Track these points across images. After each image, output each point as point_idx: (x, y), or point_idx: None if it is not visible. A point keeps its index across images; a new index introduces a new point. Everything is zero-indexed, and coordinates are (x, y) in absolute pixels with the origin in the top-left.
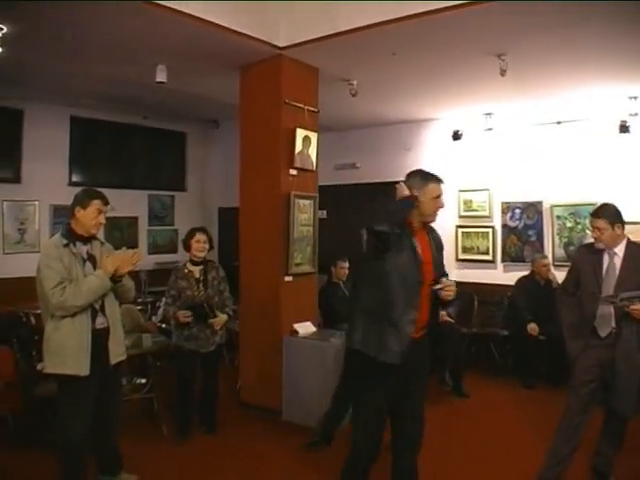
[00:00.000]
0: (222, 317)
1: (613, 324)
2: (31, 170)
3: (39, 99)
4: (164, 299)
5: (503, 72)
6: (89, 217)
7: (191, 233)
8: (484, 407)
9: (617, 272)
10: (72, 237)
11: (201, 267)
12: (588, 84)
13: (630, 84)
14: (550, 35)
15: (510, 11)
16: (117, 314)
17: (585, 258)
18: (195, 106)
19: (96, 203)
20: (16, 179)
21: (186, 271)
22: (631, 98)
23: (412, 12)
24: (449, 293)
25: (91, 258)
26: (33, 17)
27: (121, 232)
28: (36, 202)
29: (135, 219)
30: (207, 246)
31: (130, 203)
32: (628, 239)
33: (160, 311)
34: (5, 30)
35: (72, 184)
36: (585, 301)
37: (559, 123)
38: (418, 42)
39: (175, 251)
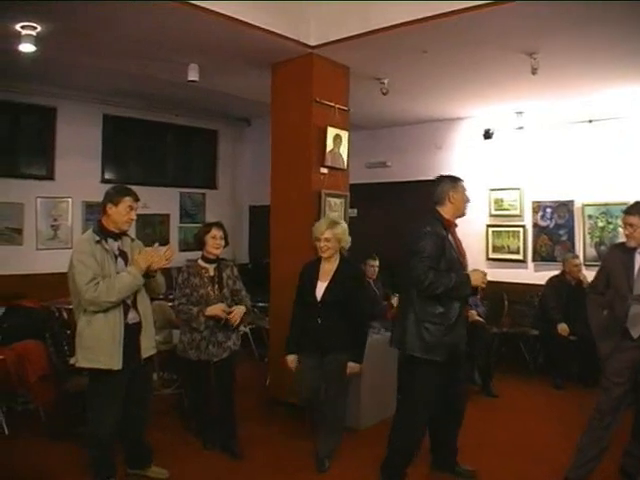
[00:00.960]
0: (240, 307)
1: None
2: (64, 167)
3: (72, 97)
4: (176, 301)
5: (534, 70)
6: (121, 213)
7: (206, 228)
8: (513, 407)
9: None
10: (104, 233)
11: (215, 265)
12: (619, 83)
13: None
14: (582, 33)
15: (541, 9)
16: (149, 309)
17: (616, 258)
18: (226, 104)
19: (127, 200)
20: (49, 176)
21: (199, 268)
22: None
23: (443, 10)
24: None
25: (122, 254)
26: (66, 15)
27: (153, 229)
28: (69, 199)
29: (167, 216)
30: (223, 242)
31: (162, 200)
32: None
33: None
34: (39, 29)
35: (104, 181)
36: (616, 301)
37: (590, 122)
38: (449, 40)
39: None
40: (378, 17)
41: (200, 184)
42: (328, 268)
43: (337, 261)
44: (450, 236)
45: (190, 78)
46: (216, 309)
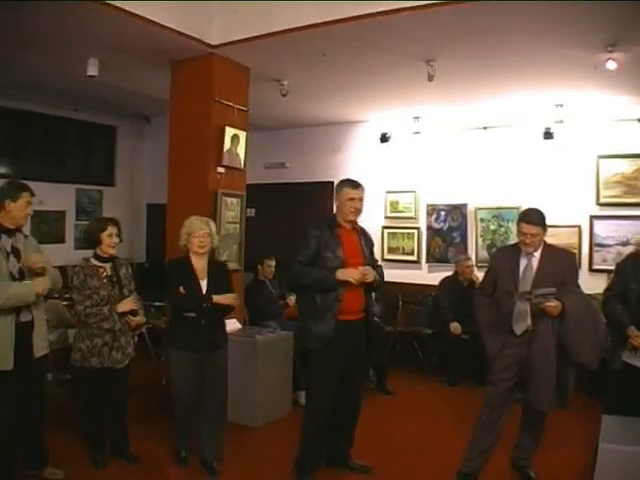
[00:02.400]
0: (142, 318)
1: (529, 322)
2: None
3: None
4: (79, 306)
5: (431, 77)
6: (20, 209)
7: (102, 225)
8: (407, 404)
9: (534, 272)
10: None
11: (110, 264)
12: (514, 91)
13: (557, 92)
14: (478, 42)
15: (439, 18)
16: (41, 308)
17: (503, 259)
18: (126, 100)
19: (25, 195)
20: None
21: (95, 268)
22: (557, 105)
23: (344, 15)
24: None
25: (15, 251)
26: None
27: (48, 226)
28: None
29: (62, 213)
30: (118, 240)
31: (58, 197)
32: (544, 241)
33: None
34: None
35: (0, 176)
36: (502, 300)
37: (485, 128)
38: (348, 45)
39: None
40: (280, 19)
41: (97, 181)
42: (202, 265)
43: (207, 258)
44: (336, 237)
45: (89, 73)
46: (128, 304)
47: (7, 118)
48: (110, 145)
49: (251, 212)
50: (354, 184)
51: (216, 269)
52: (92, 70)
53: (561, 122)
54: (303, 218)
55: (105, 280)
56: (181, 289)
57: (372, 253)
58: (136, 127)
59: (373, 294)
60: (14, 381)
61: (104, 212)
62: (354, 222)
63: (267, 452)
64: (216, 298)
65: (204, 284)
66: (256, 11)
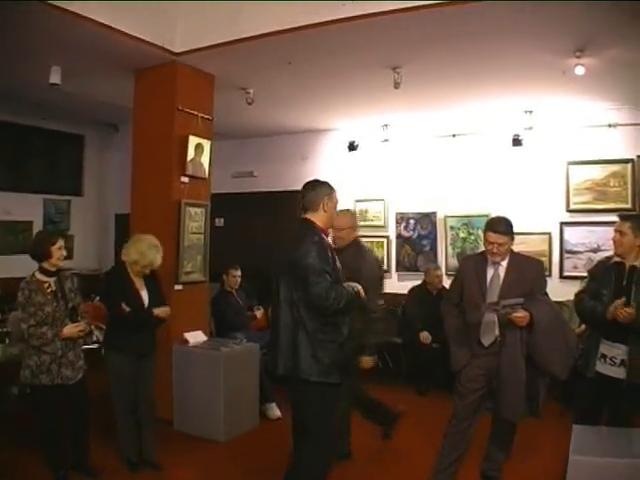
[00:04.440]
0: (83, 323)
1: (497, 332)
2: None
3: None
4: (23, 324)
5: (397, 85)
6: None
7: (52, 238)
8: None
9: (501, 282)
10: None
11: (55, 278)
12: (483, 98)
13: (525, 98)
14: (443, 48)
15: (404, 24)
16: None
17: (469, 268)
18: (94, 109)
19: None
20: None
21: (39, 283)
22: (527, 112)
23: (308, 22)
24: None
25: None
26: None
27: (15, 237)
28: None
29: (30, 223)
30: (65, 253)
31: (25, 207)
32: (511, 250)
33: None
34: None
35: None
36: (469, 310)
37: (454, 136)
38: (313, 52)
39: (70, 257)
40: (243, 26)
41: (65, 191)
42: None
43: None
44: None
45: (52, 81)
46: (73, 331)
47: None
48: (78, 154)
49: (220, 222)
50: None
51: (150, 279)
52: (55, 78)
53: (530, 129)
54: (273, 227)
55: (50, 296)
56: (124, 306)
57: None
58: (104, 136)
59: None
60: None
61: (72, 222)
62: None
63: (233, 467)
64: (156, 312)
65: (144, 295)
66: (219, 18)
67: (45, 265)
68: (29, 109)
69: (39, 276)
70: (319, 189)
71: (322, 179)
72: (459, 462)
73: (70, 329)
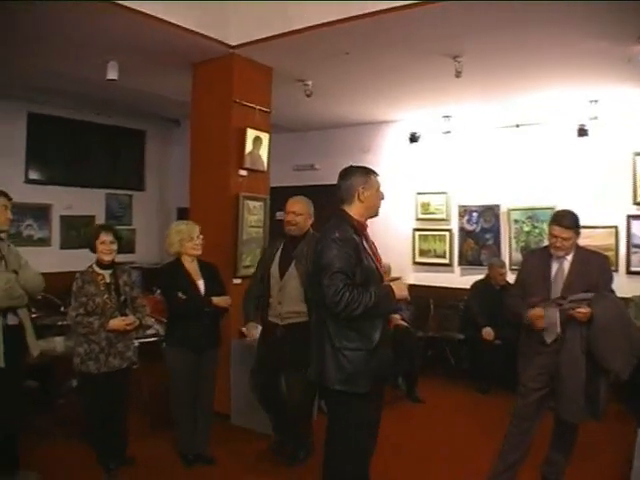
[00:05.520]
0: (132, 317)
1: (559, 329)
2: None
3: None
4: (72, 312)
5: (458, 74)
6: None
7: (95, 232)
8: (438, 411)
9: (565, 276)
10: None
11: (111, 271)
12: (546, 87)
13: (590, 88)
14: (505, 37)
15: (465, 11)
16: (26, 312)
17: (533, 264)
18: (155, 104)
19: (1, 199)
20: None
21: (94, 275)
22: (592, 102)
23: (365, 11)
24: None
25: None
26: None
27: (77, 231)
28: None
29: (92, 218)
30: (115, 247)
31: (87, 202)
32: (577, 244)
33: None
34: None
35: (28, 181)
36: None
37: (518, 126)
38: (371, 42)
39: (133, 251)
40: (299, 17)
41: (127, 185)
42: (194, 267)
43: (196, 260)
44: (364, 241)
45: (109, 77)
46: (120, 324)
47: (36, 124)
48: (139, 149)
49: (281, 215)
50: (374, 171)
51: (208, 270)
52: (112, 74)
53: (596, 118)
54: None
55: (102, 288)
56: (180, 294)
57: None
58: (165, 131)
59: None
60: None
61: (134, 217)
62: None
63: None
64: (215, 300)
65: (201, 284)
66: (274, 10)
67: (97, 258)
68: (91, 105)
69: (95, 268)
70: (352, 177)
71: (383, 171)
72: (520, 464)
73: (117, 322)
